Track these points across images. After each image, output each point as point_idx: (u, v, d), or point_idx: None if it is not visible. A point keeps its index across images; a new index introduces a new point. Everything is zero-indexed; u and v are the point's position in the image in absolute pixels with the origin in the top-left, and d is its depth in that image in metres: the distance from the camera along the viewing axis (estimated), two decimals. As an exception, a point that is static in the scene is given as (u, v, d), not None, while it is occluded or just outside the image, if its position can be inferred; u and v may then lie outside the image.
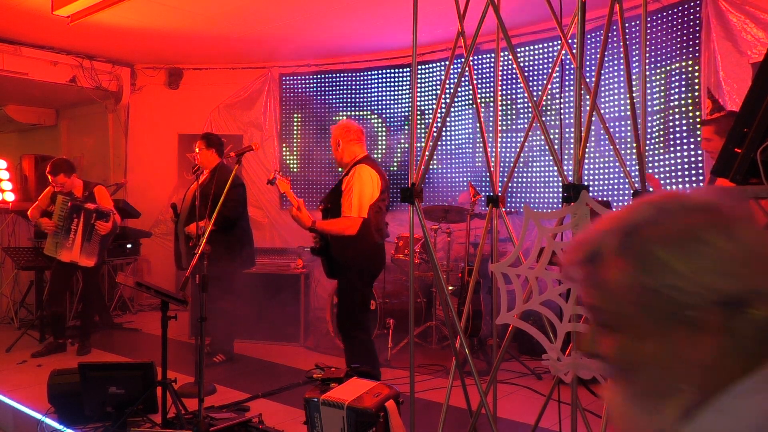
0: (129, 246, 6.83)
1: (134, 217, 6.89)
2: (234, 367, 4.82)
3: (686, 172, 4.82)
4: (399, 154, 6.94)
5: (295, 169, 7.48)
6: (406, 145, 6.90)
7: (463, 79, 2.75)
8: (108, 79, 7.37)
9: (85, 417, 3.39)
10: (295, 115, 7.49)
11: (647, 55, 4.27)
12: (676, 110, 4.92)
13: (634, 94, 2.48)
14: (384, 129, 7.00)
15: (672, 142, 4.94)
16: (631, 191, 2.42)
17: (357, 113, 7.12)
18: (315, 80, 7.36)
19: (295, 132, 7.51)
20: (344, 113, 7.18)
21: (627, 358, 0.77)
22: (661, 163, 5.01)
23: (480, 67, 6.27)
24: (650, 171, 4.99)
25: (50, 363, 4.52)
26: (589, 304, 0.80)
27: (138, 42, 6.58)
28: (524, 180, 5.92)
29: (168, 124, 7.53)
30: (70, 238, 5.07)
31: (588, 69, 4.61)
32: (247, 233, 5.01)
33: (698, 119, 4.76)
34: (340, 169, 4.15)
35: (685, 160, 4.85)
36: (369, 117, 7.06)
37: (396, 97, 6.93)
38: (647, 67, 4.17)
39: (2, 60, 6.43)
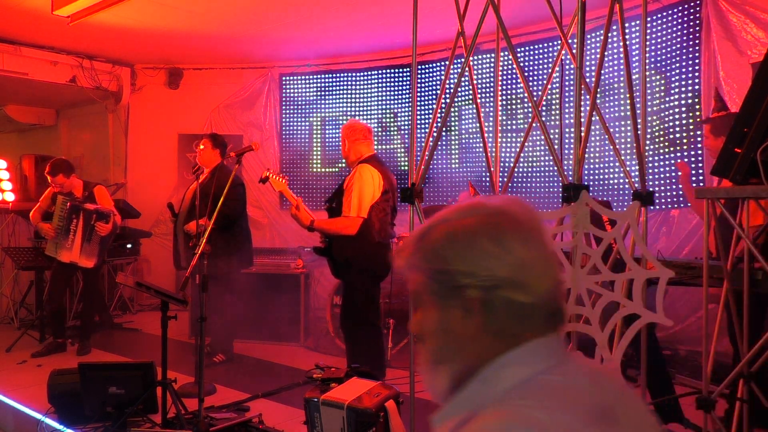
0: (129, 246, 6.83)
1: (134, 217, 6.89)
2: (234, 367, 4.82)
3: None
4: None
5: (294, 169, 7.48)
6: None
7: (463, 79, 2.74)
8: (108, 79, 7.37)
9: (85, 417, 3.38)
10: (295, 115, 7.50)
11: (647, 55, 4.27)
12: (676, 110, 4.92)
13: (634, 94, 2.48)
14: (393, 129, 7.00)
15: (672, 142, 4.94)
16: (632, 191, 2.41)
17: (357, 113, 7.13)
18: (315, 80, 7.36)
19: (295, 132, 7.51)
20: (344, 113, 7.19)
21: (420, 330, 0.95)
22: (661, 163, 5.01)
23: (480, 67, 6.27)
24: (650, 171, 4.99)
25: (50, 363, 4.52)
26: (408, 286, 0.98)
27: (138, 42, 6.58)
28: (525, 180, 5.92)
29: (168, 124, 7.53)
30: (70, 239, 5.06)
31: (588, 69, 4.61)
32: (246, 233, 5.01)
33: (698, 119, 4.76)
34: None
35: (685, 159, 4.85)
36: (369, 117, 7.06)
37: (396, 97, 6.94)
38: (647, 67, 4.17)
39: (2, 60, 6.43)
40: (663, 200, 4.97)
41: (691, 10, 4.82)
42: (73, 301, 6.03)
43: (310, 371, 3.01)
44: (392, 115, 6.98)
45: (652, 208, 4.57)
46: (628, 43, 4.30)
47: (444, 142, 6.51)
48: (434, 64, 6.59)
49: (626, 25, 3.96)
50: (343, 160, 7.00)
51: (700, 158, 4.75)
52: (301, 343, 5.45)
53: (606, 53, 2.60)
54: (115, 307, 6.89)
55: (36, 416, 3.62)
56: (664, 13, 4.99)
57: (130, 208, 6.78)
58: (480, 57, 6.24)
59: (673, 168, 4.91)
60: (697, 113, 4.78)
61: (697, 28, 4.77)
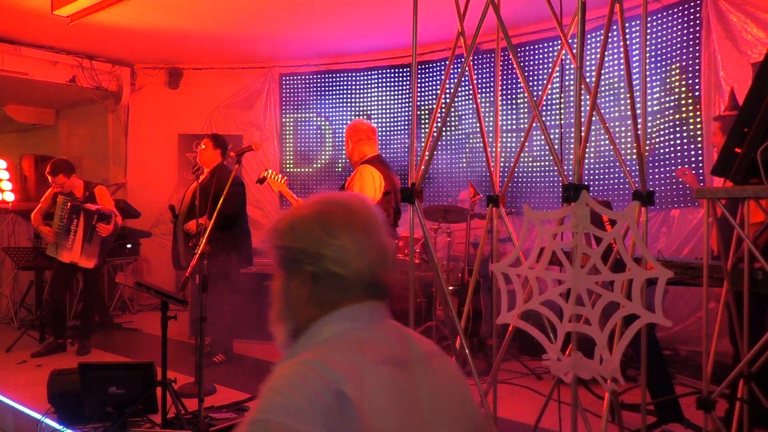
0: (129, 246, 6.82)
1: (134, 217, 6.88)
2: (234, 367, 4.82)
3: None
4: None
5: (294, 170, 7.49)
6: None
7: (464, 78, 2.74)
8: (108, 79, 7.37)
9: (85, 417, 3.38)
10: (295, 115, 7.50)
11: (647, 54, 4.27)
12: (676, 110, 4.92)
13: (634, 94, 2.47)
14: (389, 129, 7.00)
15: (672, 142, 4.94)
16: (632, 191, 2.41)
17: (357, 113, 7.13)
18: (315, 80, 7.36)
19: (294, 132, 7.52)
20: (344, 113, 7.19)
21: (272, 294, 1.19)
22: (661, 163, 5.01)
23: (480, 67, 6.27)
24: (650, 171, 4.99)
25: (50, 363, 4.52)
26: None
27: (138, 42, 6.58)
28: (526, 179, 5.92)
29: (168, 124, 7.53)
30: (70, 239, 5.06)
31: (588, 69, 4.61)
32: (245, 232, 5.01)
33: (699, 119, 4.76)
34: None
35: (685, 159, 4.85)
36: (369, 117, 7.06)
37: (396, 97, 6.94)
38: (647, 66, 4.17)
39: (2, 60, 6.43)
40: (663, 200, 4.97)
41: (691, 10, 4.81)
42: (73, 301, 6.02)
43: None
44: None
45: (652, 208, 4.58)
46: (628, 43, 4.30)
47: (444, 142, 6.51)
48: (434, 64, 6.59)
49: (626, 25, 3.96)
50: (345, 160, 7.01)
51: (700, 158, 4.75)
52: (301, 343, 5.45)
53: (606, 53, 2.60)
54: (115, 307, 6.88)
55: (36, 416, 3.62)
56: (664, 13, 4.99)
57: (130, 208, 6.77)
58: (480, 57, 6.24)
59: (672, 167, 4.91)
60: (698, 113, 4.78)
61: (697, 28, 4.77)
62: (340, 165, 7.19)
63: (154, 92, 7.60)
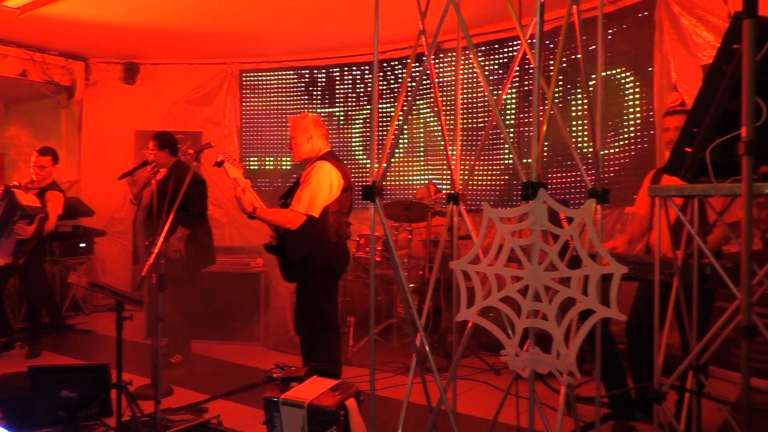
0: (82, 245, 6.63)
1: (88, 215, 6.70)
2: (192, 367, 4.74)
3: (638, 170, 4.95)
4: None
5: (255, 167, 7.40)
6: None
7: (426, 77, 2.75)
8: (60, 73, 7.15)
9: (36, 422, 3.28)
10: (256, 112, 7.42)
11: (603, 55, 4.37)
12: (631, 110, 5.05)
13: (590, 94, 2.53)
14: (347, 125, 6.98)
15: (625, 141, 5.07)
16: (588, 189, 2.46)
17: (319, 110, 7.09)
18: (275, 77, 7.30)
19: (255, 128, 7.43)
20: (305, 110, 7.14)
21: None
22: (615, 161, 5.13)
23: (442, 65, 6.30)
24: (606, 167, 5.11)
25: (-2, 367, 4.37)
26: None
27: (92, 35, 6.40)
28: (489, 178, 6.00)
29: (124, 121, 7.35)
30: None
31: (547, 69, 4.67)
32: (207, 231, 4.93)
33: (651, 119, 4.90)
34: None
35: (638, 158, 4.97)
36: (333, 114, 7.04)
37: (360, 93, 6.92)
38: (603, 67, 4.26)
39: (-53, 52, 6.18)
40: (618, 198, 5.09)
41: (646, 13, 4.95)
42: (22, 301, 5.81)
43: (269, 370, 2.98)
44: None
45: (607, 205, 4.68)
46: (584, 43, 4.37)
47: (406, 140, 6.53)
48: (396, 62, 6.60)
49: (583, 26, 4.04)
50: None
51: (653, 156, 4.89)
52: (261, 343, 5.40)
53: (564, 53, 2.66)
54: (68, 308, 6.68)
55: (-17, 422, 3.49)
56: (620, 16, 5.12)
57: (84, 206, 6.59)
58: (442, 55, 6.28)
59: (628, 167, 5.03)
60: (650, 113, 4.91)
61: (651, 31, 4.90)
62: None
63: (109, 87, 7.41)
